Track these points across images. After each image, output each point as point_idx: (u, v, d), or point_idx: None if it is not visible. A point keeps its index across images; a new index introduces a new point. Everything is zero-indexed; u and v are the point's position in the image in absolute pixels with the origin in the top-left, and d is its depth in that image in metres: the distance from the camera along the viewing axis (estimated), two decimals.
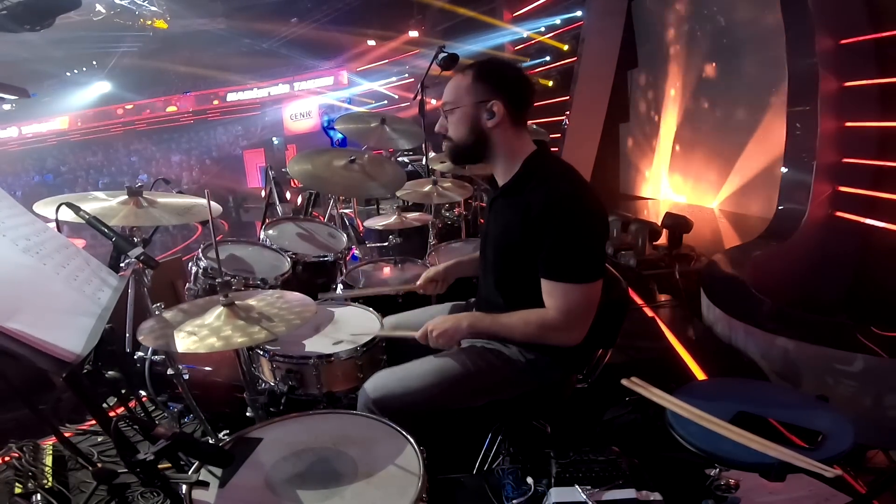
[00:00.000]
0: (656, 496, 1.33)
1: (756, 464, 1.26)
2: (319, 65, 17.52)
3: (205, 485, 1.17)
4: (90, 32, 13.06)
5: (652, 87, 7.33)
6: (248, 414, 1.81)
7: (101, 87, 17.80)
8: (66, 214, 1.62)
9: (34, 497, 1.62)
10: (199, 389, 1.98)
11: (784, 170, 4.47)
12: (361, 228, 4.13)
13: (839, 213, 4.13)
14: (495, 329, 1.60)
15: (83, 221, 1.62)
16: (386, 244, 3.07)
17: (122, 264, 1.62)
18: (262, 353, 1.84)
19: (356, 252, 3.35)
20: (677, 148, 6.79)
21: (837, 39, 4.04)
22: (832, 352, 2.53)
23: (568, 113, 7.74)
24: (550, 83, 9.23)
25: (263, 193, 4.43)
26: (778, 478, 1.24)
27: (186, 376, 1.95)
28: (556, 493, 1.37)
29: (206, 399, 1.99)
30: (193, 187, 14.75)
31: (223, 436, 1.96)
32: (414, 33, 12.97)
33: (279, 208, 3.63)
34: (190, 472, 1.23)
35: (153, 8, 12.87)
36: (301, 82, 18.07)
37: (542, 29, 9.47)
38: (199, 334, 1.33)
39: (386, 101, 15.77)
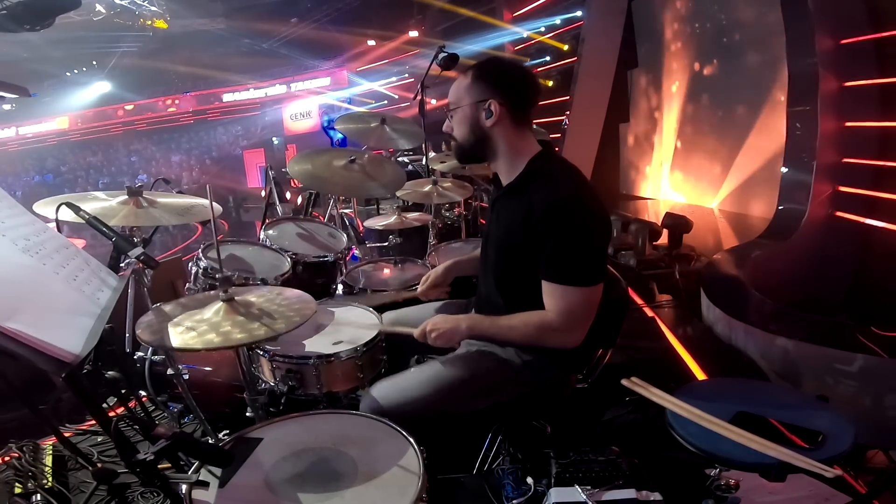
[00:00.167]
0: (656, 496, 1.33)
1: (756, 464, 1.26)
2: (319, 65, 17.54)
3: (205, 485, 1.17)
4: (90, 32, 13.06)
5: (652, 87, 7.33)
6: (248, 414, 1.81)
7: (101, 87, 17.81)
8: (66, 214, 1.62)
9: (34, 497, 1.62)
10: (199, 389, 1.98)
11: (784, 170, 4.47)
12: (361, 228, 4.13)
13: (839, 213, 4.13)
14: (494, 331, 1.60)
15: (83, 221, 1.62)
16: (386, 244, 3.07)
17: (122, 264, 1.62)
18: (261, 352, 1.84)
19: (356, 252, 3.35)
20: (677, 148, 6.79)
21: (837, 39, 4.04)
22: (832, 352, 2.53)
23: (568, 113, 7.74)
24: (550, 83, 9.23)
25: (263, 193, 4.43)
26: (778, 478, 1.24)
27: (186, 376, 1.95)
28: (556, 493, 1.37)
29: (206, 399, 1.99)
30: (193, 187, 14.75)
31: (223, 436, 1.96)
32: (414, 33, 12.99)
33: (279, 208, 3.62)
34: (190, 472, 1.23)
35: (153, 8, 12.87)
36: (298, 83, 18.06)
37: (542, 29, 9.47)
38: (197, 329, 1.33)
39: (386, 101, 15.78)
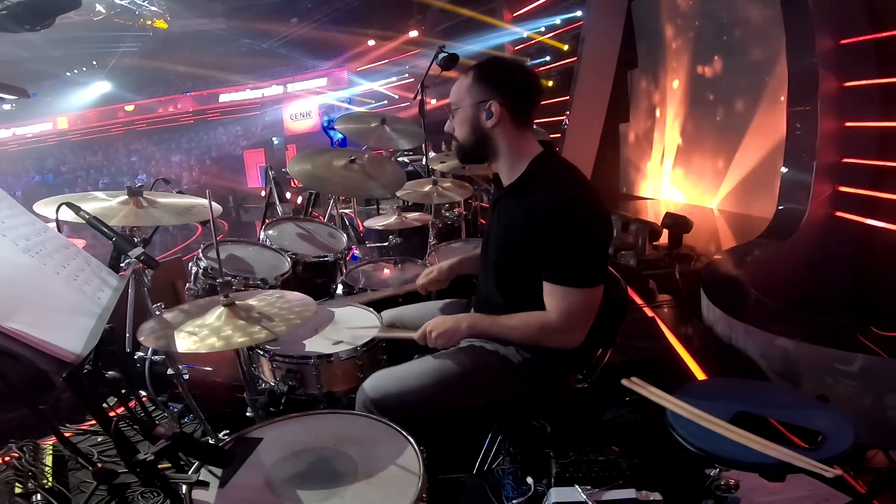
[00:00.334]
0: (656, 496, 1.33)
1: (756, 464, 1.26)
2: (319, 65, 17.54)
3: (205, 485, 1.17)
4: (90, 32, 13.06)
5: (652, 87, 7.33)
6: (248, 414, 1.81)
7: (101, 87, 17.80)
8: (66, 214, 1.62)
9: (34, 497, 1.62)
10: (199, 389, 1.98)
11: (784, 170, 4.47)
12: (361, 228, 4.13)
13: (839, 213, 4.13)
14: (495, 330, 1.60)
15: (83, 221, 1.62)
16: (386, 244, 3.07)
17: (122, 264, 1.62)
18: (262, 353, 1.84)
19: (356, 252, 3.35)
20: (677, 147, 6.79)
21: (837, 39, 4.04)
22: (832, 352, 2.53)
23: (568, 113, 7.74)
24: (550, 83, 9.23)
25: (263, 193, 4.43)
26: (778, 478, 1.24)
27: (186, 376, 1.95)
28: (556, 493, 1.37)
29: (206, 399, 1.99)
30: (193, 187, 14.76)
31: (223, 436, 1.96)
32: (414, 33, 12.98)
33: (279, 208, 3.62)
34: (190, 472, 1.23)
35: (153, 8, 12.87)
36: (294, 83, 18.04)
37: (542, 29, 9.47)
38: (199, 334, 1.33)
39: (386, 101, 15.78)
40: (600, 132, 7.70)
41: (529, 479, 1.53)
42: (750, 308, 3.26)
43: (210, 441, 1.92)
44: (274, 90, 18.33)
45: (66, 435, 1.93)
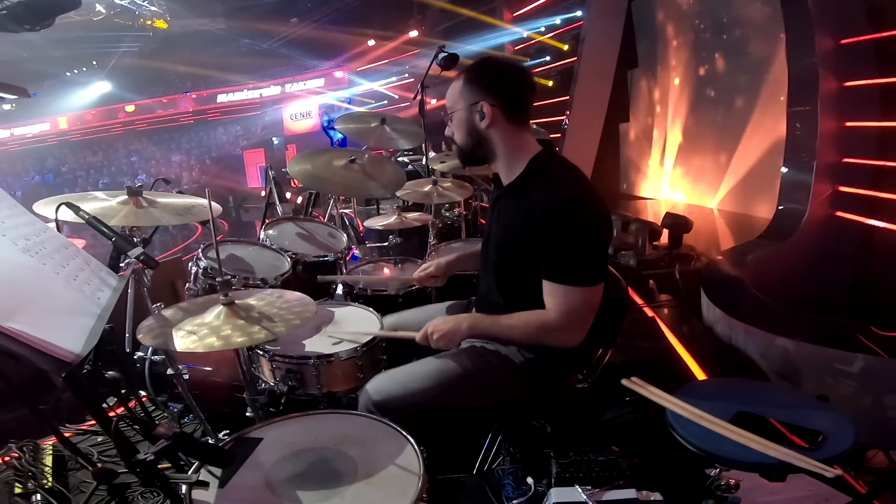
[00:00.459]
0: (656, 496, 1.33)
1: (756, 464, 1.26)
2: (319, 65, 17.54)
3: (205, 485, 1.17)
4: (90, 32, 13.05)
5: (652, 87, 7.33)
6: (248, 414, 1.81)
7: (101, 87, 17.79)
8: (66, 214, 1.62)
9: (34, 497, 1.62)
10: (199, 389, 1.98)
11: (784, 169, 4.46)
12: (361, 228, 4.13)
13: (839, 213, 4.12)
14: (495, 330, 1.60)
15: (83, 221, 1.62)
16: (386, 244, 3.07)
17: (121, 264, 1.62)
18: (261, 353, 1.84)
19: (356, 252, 3.35)
20: (677, 148, 6.79)
21: (837, 39, 4.04)
22: (832, 352, 2.53)
23: (568, 113, 7.74)
24: (550, 83, 9.22)
25: (263, 193, 4.43)
26: (778, 478, 1.24)
27: (186, 376, 1.95)
28: (556, 494, 1.37)
29: (206, 399, 1.99)
30: (193, 187, 14.75)
31: (223, 436, 1.96)
32: (414, 33, 12.98)
33: (279, 208, 3.62)
34: (190, 472, 1.23)
35: (153, 8, 12.86)
36: (291, 84, 18.03)
37: (542, 29, 9.47)
38: (198, 333, 1.33)
39: (386, 101, 15.78)
40: (600, 132, 7.70)
41: (529, 480, 1.53)
42: (750, 308, 3.26)
43: (210, 441, 1.92)
44: (273, 90, 18.32)
45: (66, 435, 1.93)
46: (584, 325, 1.52)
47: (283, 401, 1.80)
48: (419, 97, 3.74)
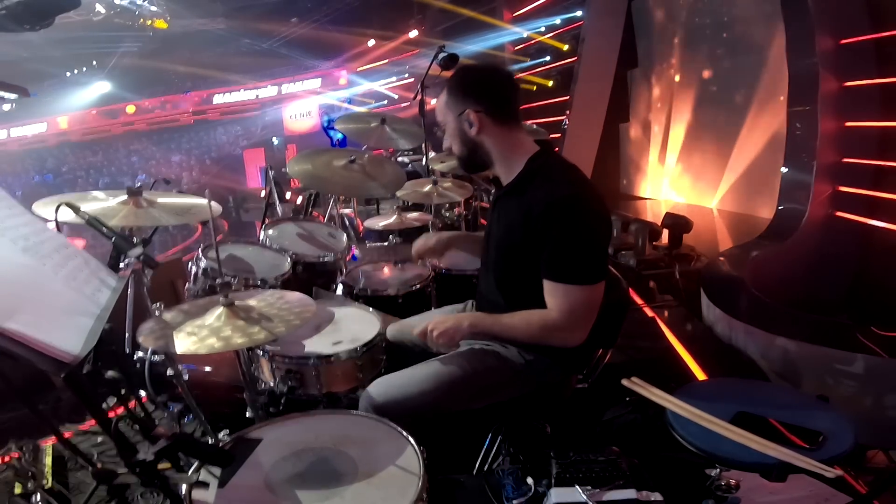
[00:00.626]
0: (656, 496, 1.33)
1: (756, 464, 1.26)
2: (319, 65, 17.52)
3: (205, 485, 1.17)
4: (90, 32, 13.04)
5: (652, 87, 7.33)
6: (248, 414, 1.81)
7: (101, 87, 17.77)
8: (66, 214, 1.62)
9: (34, 497, 1.62)
10: (199, 389, 1.98)
11: (784, 169, 4.47)
12: (361, 228, 4.13)
13: (839, 213, 4.13)
14: (497, 329, 1.60)
15: (83, 221, 1.62)
16: (386, 244, 3.07)
17: (121, 264, 1.62)
18: (261, 353, 1.84)
19: (356, 252, 3.35)
20: (677, 148, 6.79)
21: (837, 39, 4.04)
22: (832, 352, 2.53)
23: (568, 113, 7.74)
24: (550, 83, 9.23)
25: (263, 193, 4.43)
26: (778, 478, 1.24)
27: (186, 376, 1.95)
28: (556, 494, 1.37)
29: (206, 399, 1.99)
30: (193, 187, 14.76)
31: (223, 436, 1.95)
32: (414, 33, 12.97)
33: (279, 208, 3.62)
34: (190, 472, 1.23)
35: (153, 8, 12.85)
36: (291, 84, 18.03)
37: (542, 29, 9.47)
38: (198, 335, 1.33)
39: (386, 101, 15.77)
40: (600, 132, 7.70)
41: (530, 480, 1.53)
42: (750, 308, 3.26)
43: (210, 441, 1.92)
44: (271, 90, 18.30)
45: (66, 435, 1.93)
46: (587, 323, 1.52)
47: (283, 401, 1.80)
48: (419, 97, 3.74)
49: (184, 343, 1.31)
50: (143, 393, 2.16)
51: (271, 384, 1.84)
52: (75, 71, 16.96)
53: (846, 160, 4.11)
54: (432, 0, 11.92)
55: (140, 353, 2.06)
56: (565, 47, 8.87)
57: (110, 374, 1.91)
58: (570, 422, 1.87)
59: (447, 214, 3.87)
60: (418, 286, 2.39)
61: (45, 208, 1.68)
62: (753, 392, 1.59)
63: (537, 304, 1.54)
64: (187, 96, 18.65)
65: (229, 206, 11.69)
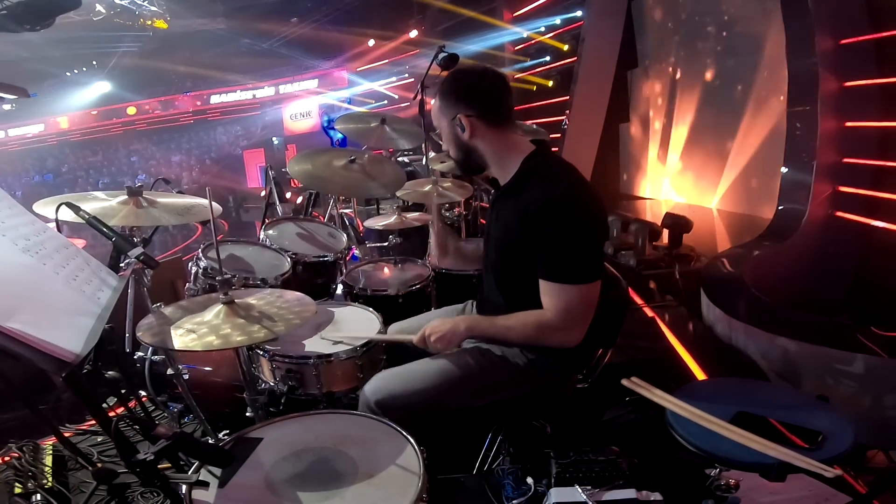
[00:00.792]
0: (656, 496, 1.33)
1: (756, 464, 1.26)
2: (319, 65, 17.52)
3: (205, 485, 1.17)
4: (90, 32, 13.05)
5: (652, 87, 7.34)
6: (248, 414, 1.81)
7: (101, 87, 17.78)
8: (66, 214, 1.62)
9: (34, 497, 1.62)
10: (199, 389, 1.98)
11: (784, 170, 4.47)
12: (361, 228, 4.13)
13: (839, 213, 4.13)
14: (493, 332, 1.60)
15: (83, 221, 1.62)
16: (386, 244, 3.06)
17: (121, 264, 1.62)
18: (261, 353, 1.84)
19: (356, 252, 3.35)
20: (677, 148, 6.79)
21: (837, 39, 4.04)
22: (832, 352, 2.53)
23: (568, 113, 7.75)
24: (550, 83, 9.23)
25: (263, 193, 4.43)
26: (778, 478, 1.24)
27: (186, 376, 1.95)
28: (556, 494, 1.37)
29: (206, 399, 1.99)
30: (193, 187, 14.75)
31: (223, 436, 1.96)
32: (414, 33, 12.97)
33: (279, 208, 3.62)
34: (190, 472, 1.23)
35: (153, 8, 12.86)
36: (290, 84, 18.03)
37: (542, 29, 9.47)
38: (197, 332, 1.33)
39: (386, 101, 15.77)
40: (600, 132, 7.71)
41: (529, 480, 1.53)
42: (750, 308, 3.26)
43: (210, 441, 1.92)
44: (268, 91, 18.31)
45: (66, 435, 1.93)
46: (583, 323, 1.52)
47: (283, 401, 1.80)
48: (419, 97, 3.73)
49: (182, 340, 1.31)
50: (143, 393, 2.17)
51: (271, 384, 1.84)
52: (75, 71, 16.96)
53: (846, 160, 4.11)
54: (432, 0, 11.92)
55: (140, 353, 2.06)
56: (565, 47, 8.88)
57: (110, 373, 1.92)
58: (570, 422, 1.87)
59: (447, 214, 3.87)
60: (418, 286, 2.39)
61: (45, 208, 1.68)
62: (753, 392, 1.59)
63: (537, 304, 1.54)
64: (186, 97, 18.65)
65: (229, 206, 11.71)
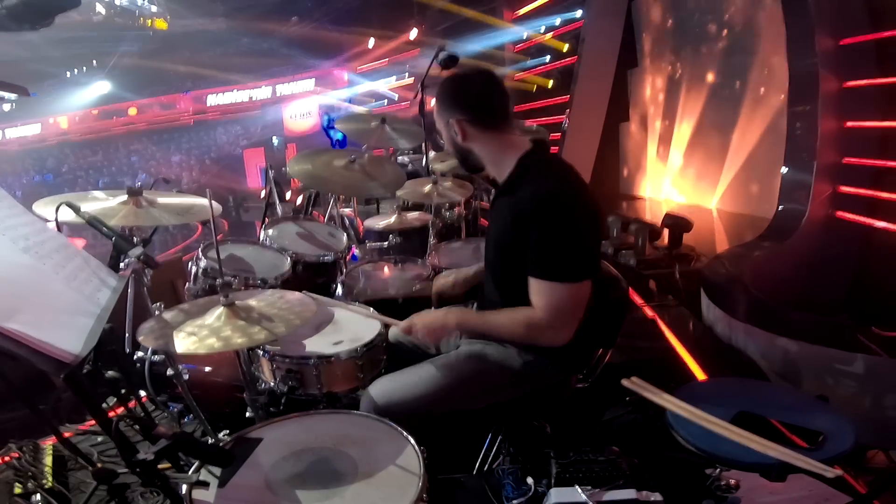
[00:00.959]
0: (656, 496, 1.33)
1: (756, 464, 1.26)
2: (319, 64, 17.52)
3: (205, 485, 1.17)
4: (90, 32, 13.06)
5: (652, 87, 7.33)
6: (248, 414, 1.81)
7: (101, 87, 17.78)
8: (66, 214, 1.62)
9: (34, 497, 1.62)
10: (199, 389, 1.98)
11: (784, 170, 4.46)
12: (361, 228, 4.12)
13: (839, 213, 4.12)
14: (483, 328, 1.60)
15: (83, 221, 1.62)
16: (386, 244, 3.06)
17: (121, 264, 1.62)
18: (262, 353, 1.84)
19: (356, 252, 3.35)
20: (677, 147, 6.79)
21: (837, 39, 4.04)
22: (832, 352, 2.53)
23: (568, 113, 7.74)
24: (550, 83, 9.22)
25: (263, 193, 4.43)
26: (778, 478, 1.24)
27: (186, 376, 1.95)
28: (556, 494, 1.37)
29: (206, 399, 1.99)
30: (193, 187, 14.76)
31: (223, 436, 1.96)
32: (414, 33, 12.97)
33: (279, 208, 3.62)
34: (190, 472, 1.23)
35: (153, 8, 12.88)
36: (290, 83, 18.03)
37: (542, 29, 9.46)
38: (199, 335, 1.33)
39: (386, 101, 15.77)
40: (600, 132, 7.70)
41: (529, 480, 1.53)
42: (750, 308, 3.25)
43: (210, 441, 1.92)
44: (273, 90, 18.32)
45: (66, 435, 1.93)
46: (572, 322, 1.50)
47: (283, 401, 1.79)
48: (419, 97, 3.74)
49: (184, 343, 1.31)
50: (143, 393, 2.16)
51: (271, 384, 1.84)
52: (75, 71, 16.98)
53: (846, 160, 4.11)
54: (432, 0, 11.91)
55: (140, 353, 2.06)
56: (565, 47, 8.87)
57: (110, 373, 1.91)
58: (570, 422, 1.87)
59: (447, 214, 3.87)
60: (419, 286, 2.39)
61: (45, 208, 1.68)
62: (753, 392, 1.59)
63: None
64: (186, 96, 18.65)
65: (229, 206, 11.70)
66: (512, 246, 1.54)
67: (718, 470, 1.40)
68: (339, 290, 2.50)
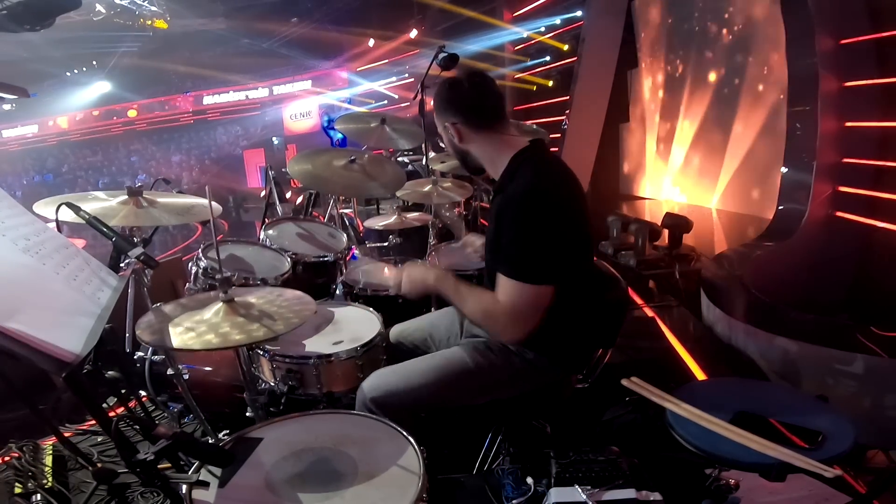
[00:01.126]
0: (656, 496, 1.33)
1: (756, 464, 1.26)
2: (319, 64, 17.52)
3: (205, 485, 1.17)
4: (90, 32, 13.04)
5: (652, 87, 7.33)
6: (248, 414, 1.81)
7: (101, 87, 17.78)
8: (66, 214, 1.62)
9: (34, 497, 1.62)
10: (199, 389, 1.98)
11: (784, 170, 4.47)
12: (361, 228, 4.13)
13: (839, 213, 4.13)
14: (453, 296, 1.61)
15: (83, 221, 1.62)
16: (386, 244, 3.07)
17: (122, 264, 1.62)
18: (261, 352, 1.84)
19: (356, 252, 3.35)
20: (678, 148, 6.79)
21: (837, 39, 4.04)
22: (832, 352, 2.53)
23: (568, 113, 7.74)
24: (550, 83, 9.23)
25: (263, 193, 4.43)
26: (778, 478, 1.24)
27: (186, 376, 1.95)
28: (556, 493, 1.37)
29: (206, 399, 1.99)
30: (193, 187, 14.75)
31: (223, 436, 1.96)
32: (414, 33, 12.96)
33: (279, 208, 3.62)
34: (190, 472, 1.23)
35: (153, 8, 12.86)
36: (290, 83, 18.02)
37: (542, 29, 9.46)
38: (196, 330, 1.33)
39: (386, 101, 15.77)
40: (600, 132, 7.71)
41: (529, 479, 1.53)
42: (750, 308, 3.26)
43: (210, 441, 1.92)
44: (273, 90, 18.31)
45: (66, 435, 1.93)
46: (526, 324, 1.48)
47: (283, 401, 1.80)
48: (419, 97, 3.74)
49: (181, 338, 1.31)
50: (143, 393, 2.16)
51: (271, 384, 1.84)
52: (75, 71, 16.97)
53: (846, 160, 4.11)
54: (432, 0, 11.91)
55: (140, 353, 2.06)
56: (565, 47, 8.87)
57: (110, 373, 1.91)
58: (570, 422, 1.87)
59: (447, 214, 3.87)
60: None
61: (45, 208, 1.68)
62: (753, 392, 1.59)
63: None
64: (186, 96, 18.65)
65: (229, 206, 11.69)
66: (497, 243, 1.55)
67: (718, 470, 1.40)
68: (339, 291, 2.51)
